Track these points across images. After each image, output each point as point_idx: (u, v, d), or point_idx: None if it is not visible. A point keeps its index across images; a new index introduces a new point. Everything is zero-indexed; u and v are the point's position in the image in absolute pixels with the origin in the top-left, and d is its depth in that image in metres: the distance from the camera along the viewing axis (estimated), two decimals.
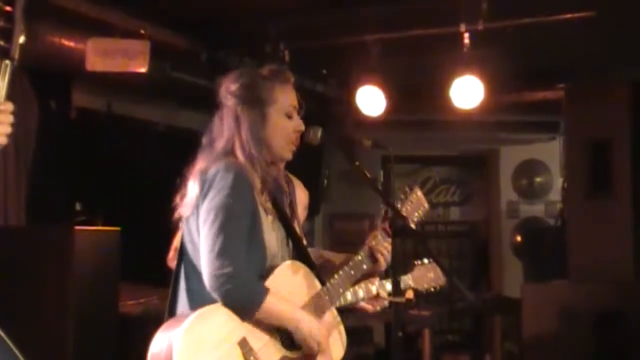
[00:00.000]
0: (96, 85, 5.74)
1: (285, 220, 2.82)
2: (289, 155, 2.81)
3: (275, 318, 2.61)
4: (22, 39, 2.04)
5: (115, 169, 5.73)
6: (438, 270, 3.23)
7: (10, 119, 2.09)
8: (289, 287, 2.69)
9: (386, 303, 3.13)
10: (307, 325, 2.65)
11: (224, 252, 2.52)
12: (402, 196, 3.03)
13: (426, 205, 3.07)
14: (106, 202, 5.54)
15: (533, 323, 6.28)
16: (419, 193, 3.06)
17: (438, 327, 7.81)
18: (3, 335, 2.07)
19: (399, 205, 2.94)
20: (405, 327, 6.38)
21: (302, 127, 2.80)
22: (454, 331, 9.31)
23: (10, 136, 2.10)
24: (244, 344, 2.55)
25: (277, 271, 2.69)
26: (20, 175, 5.20)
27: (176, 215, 2.78)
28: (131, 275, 5.19)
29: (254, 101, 2.72)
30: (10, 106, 2.09)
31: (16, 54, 2.04)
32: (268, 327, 2.62)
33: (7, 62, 2.03)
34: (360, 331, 7.63)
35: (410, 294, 2.92)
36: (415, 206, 3.03)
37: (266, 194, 2.74)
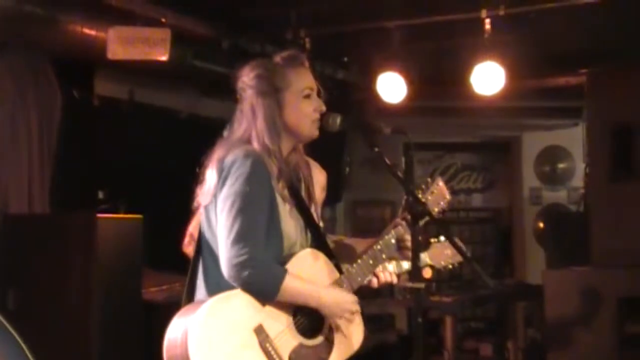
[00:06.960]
0: (118, 73, 5.77)
1: (303, 209, 2.81)
2: (315, 133, 2.79)
3: (296, 298, 2.61)
4: None
5: (137, 157, 5.76)
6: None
7: None
8: (307, 273, 2.69)
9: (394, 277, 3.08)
10: (331, 296, 2.66)
11: (241, 238, 2.52)
12: (424, 186, 2.99)
13: (448, 196, 3.03)
14: (128, 190, 5.57)
15: (556, 309, 6.26)
16: (441, 184, 3.03)
17: (460, 313, 7.80)
18: (4, 321, 2.06)
19: (419, 195, 2.90)
20: (427, 313, 6.38)
21: (323, 107, 2.79)
22: (477, 318, 9.30)
23: None
24: (259, 331, 2.55)
25: (296, 257, 2.69)
26: (44, 163, 5.25)
27: (195, 203, 2.79)
28: (154, 262, 5.23)
29: (269, 90, 2.72)
30: None
31: None
32: (286, 314, 2.63)
33: None
34: (382, 318, 7.64)
35: (428, 272, 2.90)
36: (436, 197, 3.00)
37: (283, 182, 2.73)
